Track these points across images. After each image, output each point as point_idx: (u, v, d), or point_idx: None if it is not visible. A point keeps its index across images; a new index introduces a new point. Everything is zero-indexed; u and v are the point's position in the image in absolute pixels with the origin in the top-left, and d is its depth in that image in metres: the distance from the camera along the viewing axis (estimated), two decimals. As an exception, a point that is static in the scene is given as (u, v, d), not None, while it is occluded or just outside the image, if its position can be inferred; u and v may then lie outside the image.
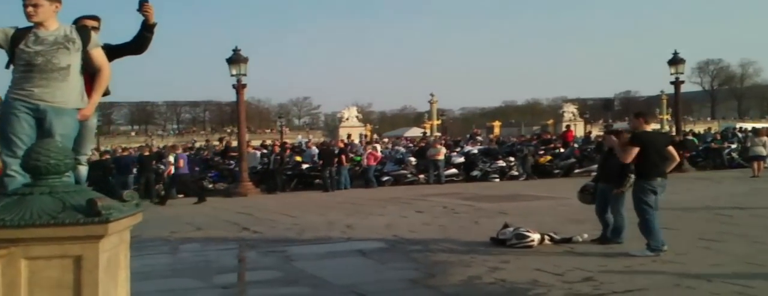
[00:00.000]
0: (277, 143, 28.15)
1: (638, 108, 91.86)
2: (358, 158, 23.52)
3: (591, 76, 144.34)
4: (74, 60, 4.64)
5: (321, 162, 21.32)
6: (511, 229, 8.92)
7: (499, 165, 23.30)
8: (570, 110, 68.49)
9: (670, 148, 8.55)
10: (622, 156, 8.19)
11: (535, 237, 8.70)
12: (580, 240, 8.83)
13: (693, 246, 8.31)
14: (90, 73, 4.86)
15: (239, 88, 20.52)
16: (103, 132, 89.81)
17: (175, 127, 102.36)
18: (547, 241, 8.79)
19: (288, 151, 26.66)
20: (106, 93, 5.32)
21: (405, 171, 23.26)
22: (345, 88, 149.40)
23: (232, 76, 20.42)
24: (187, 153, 26.28)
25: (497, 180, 22.69)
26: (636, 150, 7.99)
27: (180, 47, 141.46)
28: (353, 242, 9.52)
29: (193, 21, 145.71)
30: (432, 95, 67.29)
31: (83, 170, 5.43)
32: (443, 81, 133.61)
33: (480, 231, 9.81)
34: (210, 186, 21.37)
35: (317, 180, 21.98)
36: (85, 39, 4.70)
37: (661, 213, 8.18)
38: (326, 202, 16.63)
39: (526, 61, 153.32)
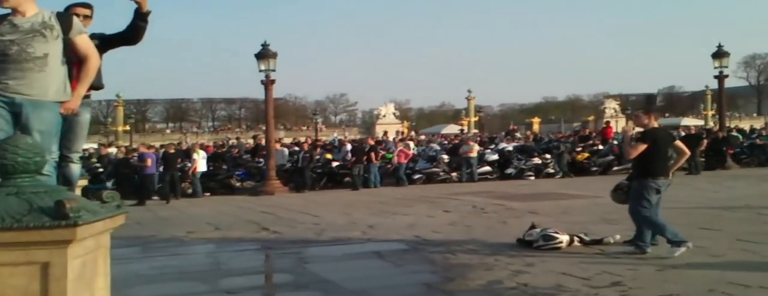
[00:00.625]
0: (308, 141, 28.12)
1: (682, 103, 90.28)
2: (390, 155, 23.31)
3: (634, 70, 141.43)
4: (53, 48, 4.37)
5: (352, 159, 21.22)
6: (538, 230, 8.64)
7: (535, 162, 22.93)
8: (611, 106, 67.48)
9: (678, 143, 8.48)
10: (628, 152, 8.03)
11: (564, 238, 8.41)
12: (612, 241, 8.50)
13: (731, 248, 7.94)
14: (79, 64, 4.63)
15: (268, 83, 20.44)
16: (138, 129, 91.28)
17: (210, 124, 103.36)
18: (576, 243, 8.48)
19: (318, 149, 26.67)
20: (99, 87, 5.17)
21: (437, 169, 23.01)
22: (383, 85, 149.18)
23: (261, 71, 20.35)
24: (217, 150, 26.50)
25: (532, 178, 22.32)
26: (643, 147, 7.80)
27: (215, 43, 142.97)
28: (372, 243, 9.32)
29: (229, 16, 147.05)
30: (469, 91, 66.81)
31: (76, 169, 5.32)
32: (482, 77, 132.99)
33: (507, 232, 9.53)
34: (237, 184, 21.37)
35: (347, 179, 21.91)
36: (66, 25, 4.43)
37: (698, 212, 7.86)
38: (353, 201, 16.48)
39: (567, 56, 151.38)
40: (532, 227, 8.81)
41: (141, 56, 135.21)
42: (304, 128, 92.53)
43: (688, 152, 8.73)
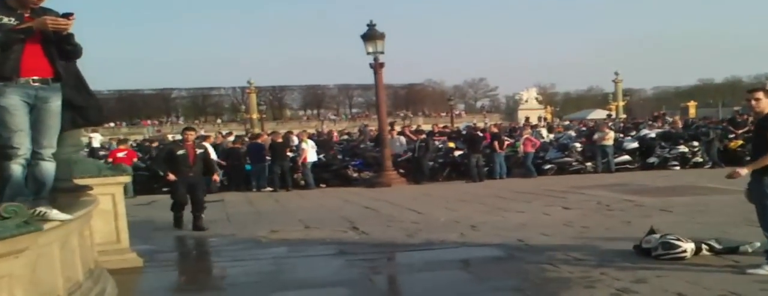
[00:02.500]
0: (435, 128, 27.32)
1: None
2: (518, 144, 22.11)
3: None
4: None
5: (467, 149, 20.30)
6: (657, 236, 7.47)
7: (680, 150, 21.02)
8: (774, 88, 61.95)
9: None
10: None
11: (688, 246, 7.20)
12: (750, 250, 7.19)
13: None
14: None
15: (377, 67, 19.68)
16: (275, 116, 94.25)
17: (348, 111, 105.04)
18: (705, 252, 7.27)
19: (444, 137, 25.89)
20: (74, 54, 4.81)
21: (569, 159, 21.64)
22: (525, 69, 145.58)
23: (369, 54, 19.55)
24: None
25: (677, 168, 20.48)
26: None
27: (351, 29, 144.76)
28: (466, 248, 8.48)
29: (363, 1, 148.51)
30: (616, 74, 64.01)
31: (49, 168, 4.86)
32: (634, 58, 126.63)
33: (628, 236, 8.36)
34: (354, 175, 20.93)
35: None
36: None
37: None
38: (469, 194, 15.62)
39: (726, 33, 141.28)
40: (651, 232, 7.65)
41: (277, 43, 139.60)
42: (444, 114, 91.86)
43: None
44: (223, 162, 19.66)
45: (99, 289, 5.76)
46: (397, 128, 28.56)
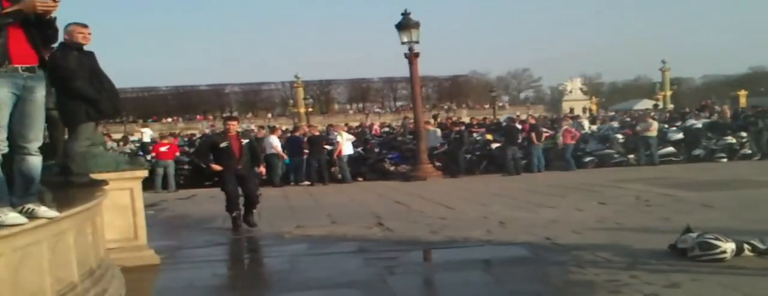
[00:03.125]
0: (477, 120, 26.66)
1: None
2: (557, 137, 21.34)
3: None
4: None
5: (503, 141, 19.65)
6: (693, 235, 6.85)
7: (728, 142, 20.09)
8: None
9: None
10: None
11: (728, 247, 6.56)
12: (799, 252, 6.56)
13: None
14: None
15: (411, 57, 19.11)
16: (322, 110, 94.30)
17: (393, 104, 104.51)
18: (747, 252, 6.62)
19: (482, 130, 25.26)
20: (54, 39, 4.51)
21: (611, 151, 20.86)
22: (570, 58, 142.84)
23: (403, 43, 19.00)
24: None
25: (724, 160, 19.58)
26: None
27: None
28: (490, 247, 7.95)
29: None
30: (663, 62, 62.19)
31: (36, 162, 4.50)
32: (682, 46, 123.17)
33: (665, 233, 7.72)
34: (391, 168, 20.50)
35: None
36: None
37: None
38: (503, 189, 15.08)
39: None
40: (687, 230, 7.03)
41: (323, 38, 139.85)
42: (487, 106, 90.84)
43: None
44: (285, 156, 19.29)
45: (98, 290, 5.42)
46: (432, 120, 28.02)
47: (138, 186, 7.60)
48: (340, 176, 19.26)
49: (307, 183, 18.68)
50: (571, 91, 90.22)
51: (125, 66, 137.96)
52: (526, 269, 6.75)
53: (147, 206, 14.45)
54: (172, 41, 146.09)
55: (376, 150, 21.61)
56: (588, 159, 20.59)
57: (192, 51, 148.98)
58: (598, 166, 20.16)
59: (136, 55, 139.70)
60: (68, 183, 6.53)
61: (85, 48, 6.50)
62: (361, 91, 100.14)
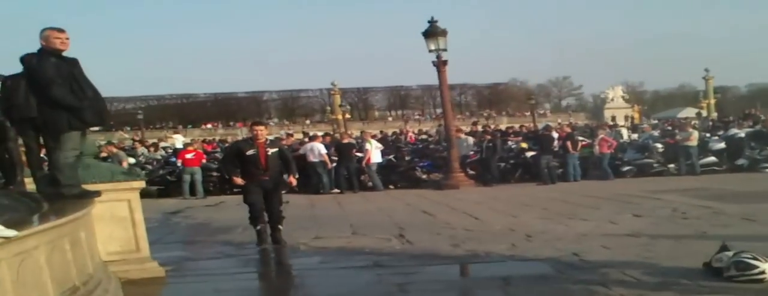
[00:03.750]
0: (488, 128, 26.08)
1: None
2: (590, 149, 20.61)
3: None
4: None
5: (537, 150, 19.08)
6: (729, 253, 6.32)
7: (772, 151, 19.25)
8: None
9: None
10: None
11: (767, 267, 6.04)
12: None
13: None
14: None
15: (440, 65, 18.58)
16: (361, 117, 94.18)
17: (432, 111, 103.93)
18: (789, 273, 6.07)
19: (518, 138, 24.69)
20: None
21: (650, 160, 20.13)
22: (611, 66, 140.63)
23: (431, 51, 18.50)
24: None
25: (769, 170, 18.75)
26: None
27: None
28: (512, 262, 7.48)
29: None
30: (706, 71, 60.84)
31: None
32: (727, 54, 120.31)
33: (700, 249, 7.18)
34: (423, 176, 20.05)
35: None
36: None
37: None
38: (536, 198, 14.55)
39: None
40: (723, 248, 6.48)
41: (361, 45, 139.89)
42: (527, 114, 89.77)
43: None
44: (335, 157, 18.92)
45: (77, 311, 5.11)
46: (465, 128, 27.50)
47: (136, 197, 7.30)
48: (370, 184, 18.91)
49: (336, 191, 18.35)
50: (612, 99, 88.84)
51: (165, 73, 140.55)
52: (546, 289, 6.26)
53: (172, 213, 14.44)
54: (212, 48, 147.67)
55: (408, 158, 21.16)
56: (626, 168, 19.90)
57: (231, 58, 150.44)
58: (637, 176, 19.45)
59: (175, 63, 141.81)
60: (58, 195, 6.28)
61: (70, 55, 6.25)
62: (399, 98, 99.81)
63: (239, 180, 9.43)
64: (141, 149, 25.50)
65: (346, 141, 19.71)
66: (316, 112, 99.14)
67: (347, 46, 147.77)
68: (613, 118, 72.98)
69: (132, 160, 22.73)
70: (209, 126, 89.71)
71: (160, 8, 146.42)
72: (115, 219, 7.09)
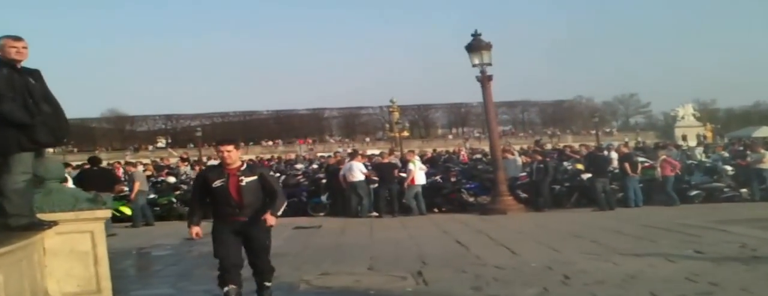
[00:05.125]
0: (537, 148, 24.57)
1: None
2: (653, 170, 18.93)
3: None
4: None
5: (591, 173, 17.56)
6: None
7: None
8: None
9: None
10: None
11: None
12: None
13: None
14: None
15: (484, 80, 17.35)
16: (421, 135, 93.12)
17: (503, 128, 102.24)
18: None
19: (577, 156, 23.17)
20: None
21: (720, 184, 18.43)
22: (681, 83, 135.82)
23: (474, 66, 17.29)
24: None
25: None
26: None
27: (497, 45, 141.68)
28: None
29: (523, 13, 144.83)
30: (785, 87, 57.69)
31: None
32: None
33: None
34: (470, 199, 18.74)
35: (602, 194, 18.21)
36: None
37: None
38: (586, 227, 13.16)
39: None
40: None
41: (418, 63, 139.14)
42: (593, 132, 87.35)
43: None
44: (376, 177, 17.90)
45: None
46: (516, 147, 26.09)
47: (100, 228, 6.30)
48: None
49: (375, 214, 17.26)
50: (683, 117, 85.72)
51: (227, 91, 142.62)
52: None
53: (190, 238, 13.50)
54: (273, 66, 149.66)
55: (453, 179, 19.91)
56: (694, 193, 18.25)
57: (292, 75, 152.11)
58: (706, 201, 17.81)
59: (238, 80, 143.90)
60: (3, 225, 5.41)
61: (28, 65, 5.43)
62: (460, 116, 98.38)
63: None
64: (184, 168, 24.97)
65: (386, 160, 18.57)
66: (377, 130, 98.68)
67: (408, 62, 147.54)
68: (684, 137, 70.15)
69: (172, 179, 22.26)
70: (270, 143, 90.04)
71: (223, 30, 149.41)
72: (75, 254, 6.14)
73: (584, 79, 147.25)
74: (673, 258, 9.04)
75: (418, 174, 17.51)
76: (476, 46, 17.08)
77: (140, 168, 20.43)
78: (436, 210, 18.16)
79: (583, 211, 16.86)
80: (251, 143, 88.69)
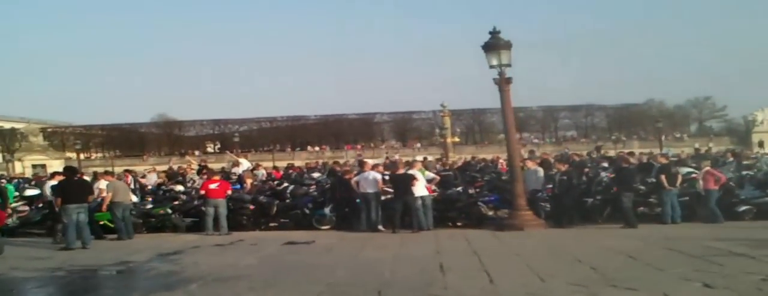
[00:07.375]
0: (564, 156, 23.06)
1: None
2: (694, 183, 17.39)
3: None
4: None
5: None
6: None
7: None
8: None
9: None
10: None
11: None
12: None
13: None
14: None
15: (502, 82, 16.06)
16: (475, 140, 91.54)
17: (555, 133, 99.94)
18: None
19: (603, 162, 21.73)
20: None
21: (771, 199, 16.83)
22: (760, 86, 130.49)
23: (492, 67, 16.02)
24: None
25: None
26: None
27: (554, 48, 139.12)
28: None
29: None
30: None
31: None
32: None
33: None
34: (490, 213, 17.53)
35: (642, 208, 16.82)
36: None
37: None
38: (596, 250, 11.95)
39: None
40: None
41: (474, 67, 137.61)
42: (668, 138, 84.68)
43: None
44: (389, 189, 17.05)
45: None
46: (529, 156, 24.66)
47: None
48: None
49: (382, 229, 16.25)
50: (762, 122, 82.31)
51: (275, 96, 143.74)
52: None
53: (167, 254, 12.85)
54: (322, 71, 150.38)
55: (472, 190, 18.73)
56: (743, 208, 16.70)
57: (342, 80, 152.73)
58: (758, 218, 16.26)
59: (285, 85, 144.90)
60: None
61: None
62: (518, 121, 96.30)
63: None
64: (190, 174, 24.37)
65: (401, 171, 17.44)
66: (430, 134, 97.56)
67: (463, 65, 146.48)
68: (761, 144, 67.05)
69: (180, 188, 21.64)
70: (317, 148, 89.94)
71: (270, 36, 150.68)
72: None
73: (661, 81, 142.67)
74: (672, 293, 7.84)
75: (418, 185, 16.36)
76: (494, 45, 15.78)
77: (130, 178, 20.09)
78: (450, 224, 17.07)
79: (611, 228, 15.51)
80: (298, 149, 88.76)
